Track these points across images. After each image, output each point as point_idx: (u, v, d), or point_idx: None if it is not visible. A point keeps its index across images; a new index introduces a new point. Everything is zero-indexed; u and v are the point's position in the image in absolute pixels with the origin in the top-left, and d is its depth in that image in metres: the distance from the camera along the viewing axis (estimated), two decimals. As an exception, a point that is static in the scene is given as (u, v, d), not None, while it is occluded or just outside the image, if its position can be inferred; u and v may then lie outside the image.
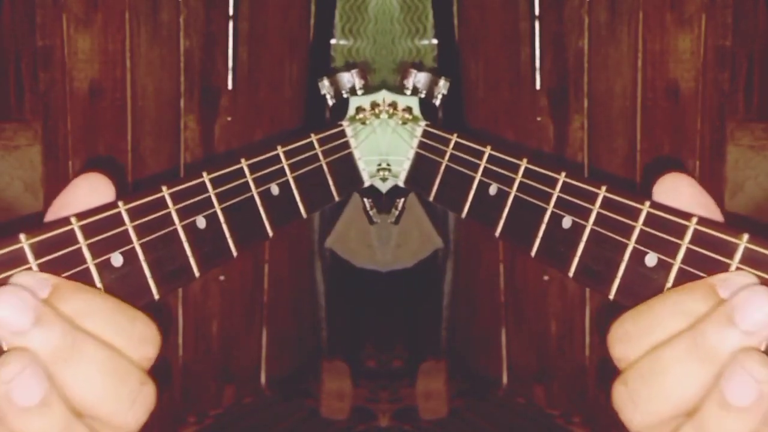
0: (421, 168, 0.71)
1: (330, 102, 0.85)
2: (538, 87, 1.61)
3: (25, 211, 1.50)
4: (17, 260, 0.44)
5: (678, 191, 0.50)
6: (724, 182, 1.52)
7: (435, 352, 1.76)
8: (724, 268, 0.45)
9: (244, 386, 1.65)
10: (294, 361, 1.79)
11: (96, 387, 0.42)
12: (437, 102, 0.84)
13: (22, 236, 0.44)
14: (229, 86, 1.62)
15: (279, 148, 0.65)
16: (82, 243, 0.47)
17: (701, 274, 0.46)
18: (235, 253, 0.57)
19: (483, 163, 0.64)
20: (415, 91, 0.84)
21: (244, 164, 0.60)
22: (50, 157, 1.51)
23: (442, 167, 0.68)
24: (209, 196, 0.56)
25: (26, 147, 1.50)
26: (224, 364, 1.65)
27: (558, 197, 0.56)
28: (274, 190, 0.63)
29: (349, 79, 0.86)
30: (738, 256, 0.44)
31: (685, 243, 0.47)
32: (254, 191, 0.61)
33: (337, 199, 0.70)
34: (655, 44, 1.52)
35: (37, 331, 0.40)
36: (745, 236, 0.44)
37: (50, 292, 0.42)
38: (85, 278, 0.47)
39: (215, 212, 0.56)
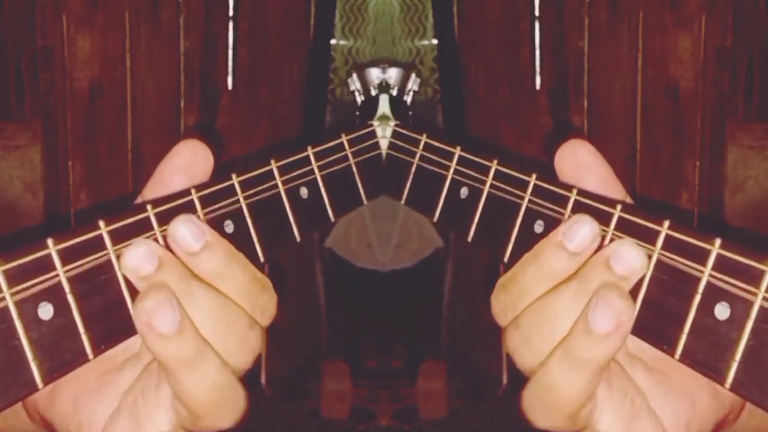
0: (392, 170, 0.68)
1: (359, 99, 0.82)
2: (538, 87, 1.61)
3: (25, 210, 1.50)
4: (45, 267, 0.45)
5: (575, 158, 0.53)
6: (724, 182, 1.52)
7: (435, 352, 1.76)
8: (695, 275, 0.45)
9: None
10: (294, 361, 1.79)
11: (206, 328, 0.48)
12: (408, 99, 0.82)
13: (50, 241, 0.45)
14: (229, 86, 1.62)
15: (309, 148, 0.62)
16: (110, 249, 0.47)
17: (673, 282, 0.46)
18: (262, 259, 0.56)
19: (453, 165, 0.62)
20: (385, 88, 0.81)
21: (273, 166, 0.58)
22: (50, 157, 1.51)
23: (413, 168, 0.66)
24: (237, 199, 0.55)
25: (26, 147, 1.50)
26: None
27: (530, 200, 0.55)
28: (303, 192, 0.61)
29: (378, 74, 0.83)
30: (710, 263, 0.45)
31: (658, 249, 0.47)
32: (283, 194, 0.59)
33: (365, 202, 0.67)
34: (655, 44, 1.52)
35: (159, 273, 0.47)
36: (666, 223, 0.46)
37: (202, 247, 0.48)
38: (113, 284, 0.48)
39: (243, 216, 0.55)
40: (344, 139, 0.66)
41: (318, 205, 0.62)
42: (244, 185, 0.55)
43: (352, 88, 0.82)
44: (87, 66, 1.51)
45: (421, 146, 0.65)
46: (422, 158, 0.65)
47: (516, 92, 1.65)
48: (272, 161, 0.58)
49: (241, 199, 0.55)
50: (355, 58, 1.67)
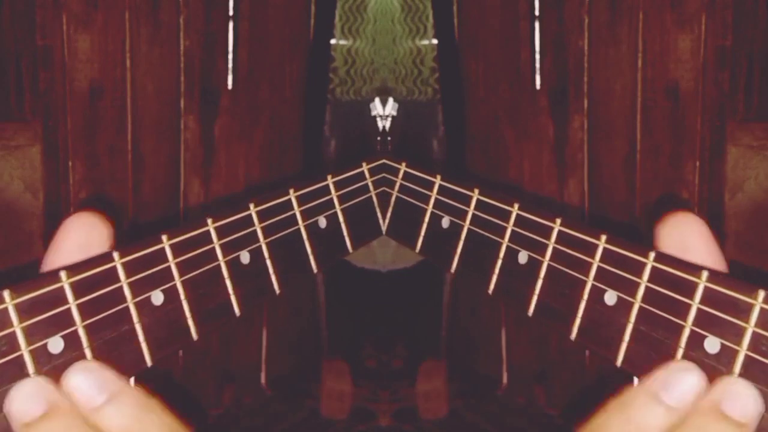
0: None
1: (380, 124, 0.80)
2: (538, 87, 1.61)
3: (25, 210, 1.50)
4: (57, 299, 0.43)
5: (684, 236, 0.46)
6: (724, 182, 1.52)
7: (435, 352, 1.76)
8: (684, 308, 0.44)
9: (244, 386, 1.65)
10: (294, 361, 1.79)
11: None
12: (387, 125, 0.81)
13: (63, 274, 0.43)
14: (229, 86, 1.62)
15: (329, 178, 0.60)
16: (123, 281, 0.46)
17: (662, 314, 0.45)
18: (278, 291, 0.54)
19: (434, 195, 0.60)
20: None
21: (292, 195, 0.56)
22: (50, 157, 1.51)
23: (393, 199, 0.63)
24: (255, 230, 0.53)
25: (26, 147, 1.50)
26: (224, 364, 1.65)
27: (512, 231, 0.53)
28: (322, 223, 0.58)
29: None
30: (698, 296, 0.44)
31: (644, 281, 0.46)
32: (301, 225, 0.56)
33: (384, 234, 0.64)
34: (655, 44, 1.52)
35: (43, 422, 0.41)
36: (705, 273, 0.44)
37: (106, 400, 0.42)
38: (125, 317, 0.46)
39: (260, 247, 0.53)
40: (365, 168, 0.63)
41: (336, 236, 0.60)
42: (262, 215, 0.53)
43: (373, 113, 0.81)
44: (87, 66, 1.51)
45: (400, 175, 0.63)
46: (402, 188, 0.63)
47: (516, 92, 1.65)
48: (291, 191, 0.56)
49: (259, 230, 0.53)
50: (354, 58, 1.67)
